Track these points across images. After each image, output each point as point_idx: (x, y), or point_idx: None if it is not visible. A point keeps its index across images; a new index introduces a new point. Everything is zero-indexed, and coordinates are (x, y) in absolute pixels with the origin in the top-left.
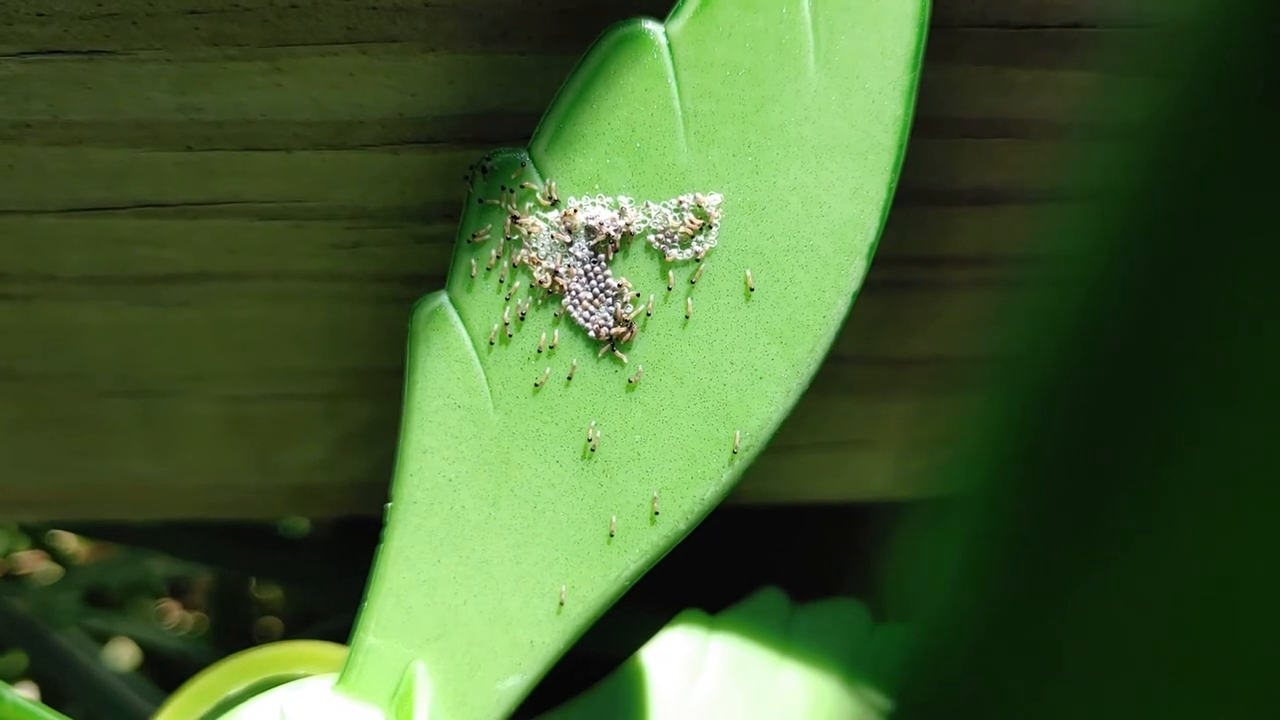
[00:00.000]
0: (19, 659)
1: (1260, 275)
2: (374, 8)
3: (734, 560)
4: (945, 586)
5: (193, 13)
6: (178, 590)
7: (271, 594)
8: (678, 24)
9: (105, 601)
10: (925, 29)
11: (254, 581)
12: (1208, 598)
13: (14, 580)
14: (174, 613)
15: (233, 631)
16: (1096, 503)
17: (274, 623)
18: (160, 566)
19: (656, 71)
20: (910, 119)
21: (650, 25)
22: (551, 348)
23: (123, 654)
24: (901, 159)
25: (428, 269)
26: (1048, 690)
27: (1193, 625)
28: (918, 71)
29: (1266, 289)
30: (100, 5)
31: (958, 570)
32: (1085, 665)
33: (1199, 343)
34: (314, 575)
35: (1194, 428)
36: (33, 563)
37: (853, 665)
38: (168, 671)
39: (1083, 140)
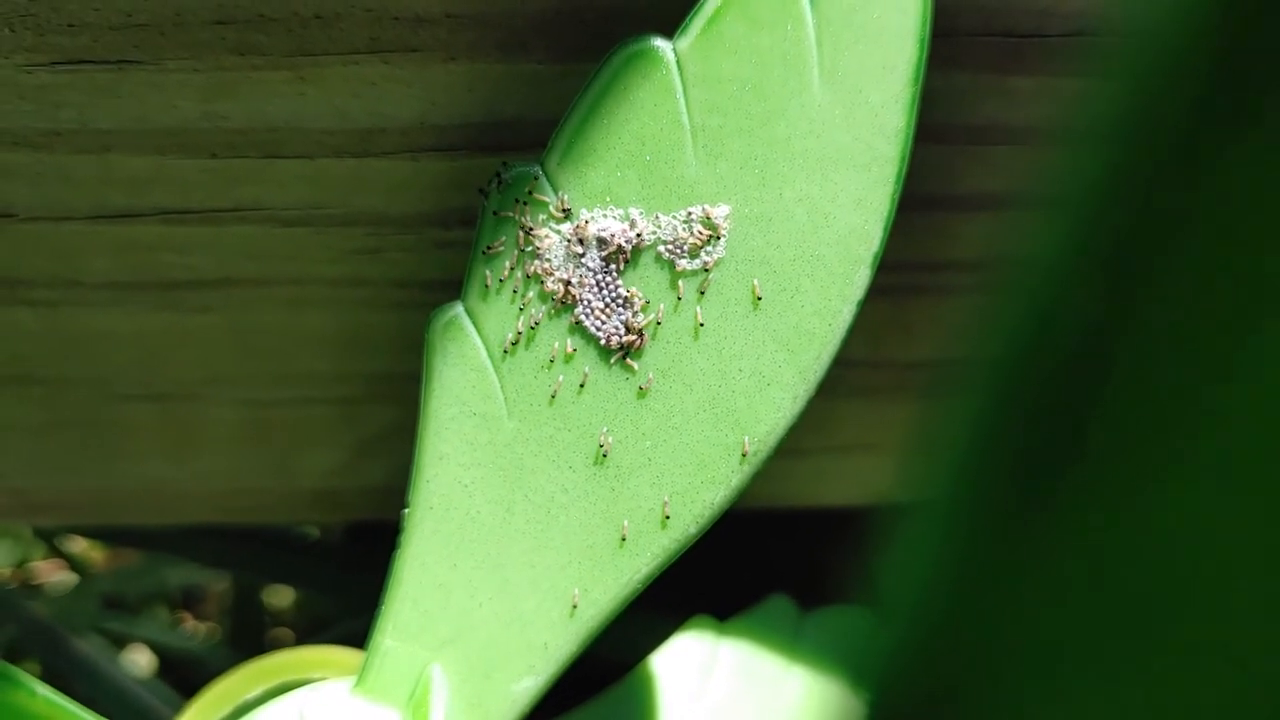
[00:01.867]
0: (32, 668)
1: (1206, 277)
2: (396, 18)
3: (743, 565)
4: (917, 583)
5: (219, 23)
6: (191, 599)
7: (284, 603)
8: (686, 41)
9: (121, 608)
10: (926, 44)
11: (267, 590)
12: (1160, 590)
13: (31, 588)
14: (188, 622)
15: (246, 639)
16: (1051, 499)
17: (285, 632)
18: (175, 575)
19: (665, 87)
20: (913, 131)
21: (659, 42)
22: (565, 356)
23: (140, 660)
24: (904, 170)
25: (447, 275)
26: (1015, 677)
27: (1146, 614)
28: (919, 85)
29: (1212, 292)
30: (129, 16)
31: (929, 568)
32: (1049, 654)
33: (1150, 344)
34: (328, 580)
35: (1143, 429)
36: (49, 571)
37: (860, 671)
38: (185, 677)
39: (1046, 146)
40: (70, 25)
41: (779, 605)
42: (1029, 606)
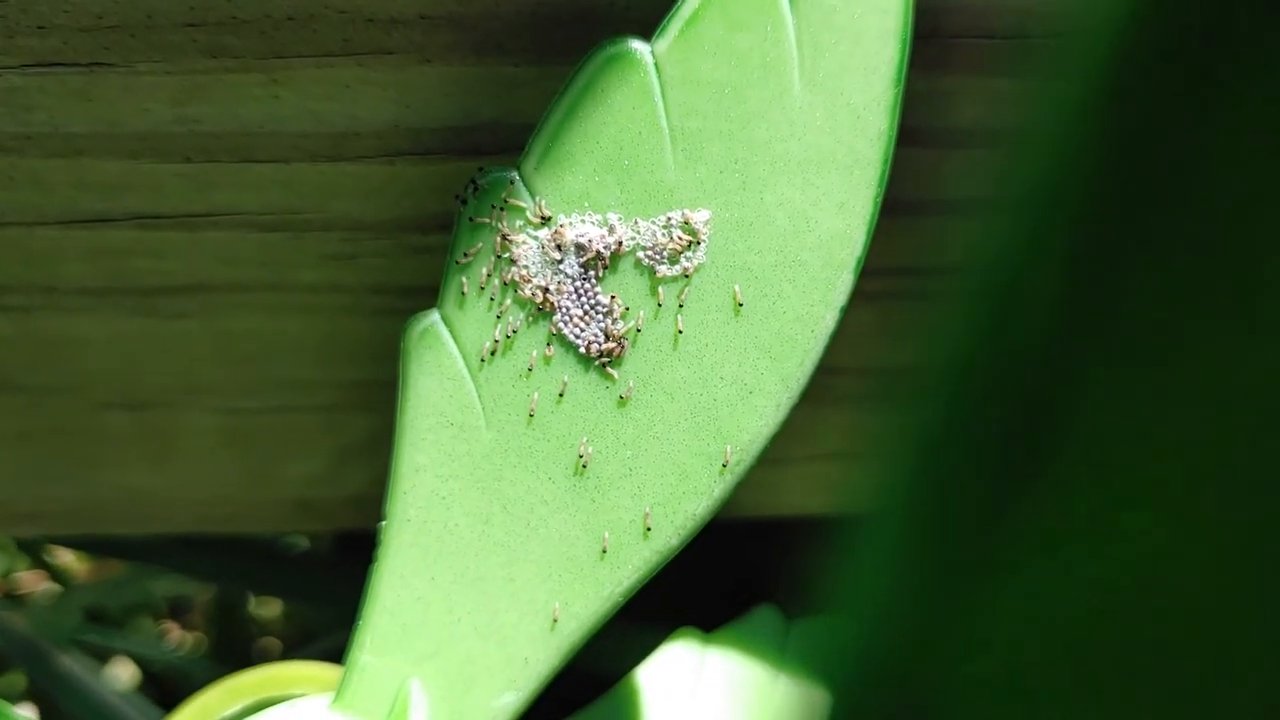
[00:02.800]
0: (18, 679)
1: (1164, 283)
2: (370, 20)
3: (729, 576)
4: (874, 591)
5: (191, 25)
6: (177, 610)
7: (270, 614)
8: (664, 43)
9: (105, 621)
10: (908, 45)
11: (252, 601)
12: (1116, 596)
13: (14, 600)
14: (173, 633)
15: (232, 651)
16: (1008, 507)
17: (273, 643)
18: (160, 586)
19: (643, 90)
20: (895, 134)
21: (637, 44)
22: (544, 364)
23: (122, 673)
24: (887, 173)
25: (424, 281)
26: (976, 685)
27: (1101, 620)
28: (901, 87)
29: (1171, 301)
30: (100, 18)
31: (886, 576)
32: (1008, 661)
33: (1107, 350)
34: (314, 590)
35: (1099, 436)
36: (32, 583)
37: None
38: (167, 690)
39: (990, 149)
40: (40, 27)
41: (766, 616)
42: (987, 613)
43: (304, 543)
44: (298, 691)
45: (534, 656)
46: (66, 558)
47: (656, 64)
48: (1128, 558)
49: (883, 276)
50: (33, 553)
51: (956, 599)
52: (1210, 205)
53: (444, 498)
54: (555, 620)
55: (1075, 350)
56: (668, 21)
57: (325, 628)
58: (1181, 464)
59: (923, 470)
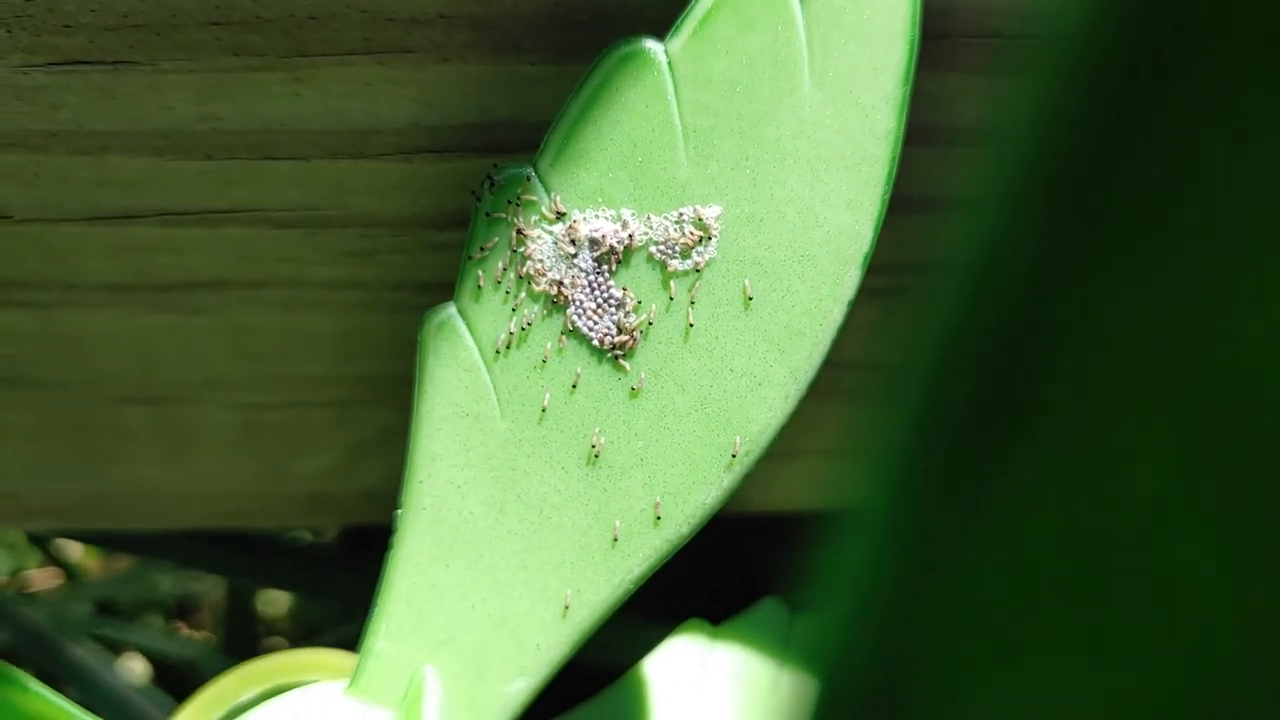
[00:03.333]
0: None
1: (1118, 281)
2: (390, 19)
3: (736, 569)
4: (856, 582)
5: (214, 24)
6: (186, 608)
7: (277, 611)
8: (677, 42)
9: (116, 617)
10: (916, 45)
11: (261, 597)
12: (1089, 584)
13: (26, 595)
14: (182, 630)
15: (241, 646)
16: (984, 496)
17: (280, 642)
18: (169, 582)
19: (657, 88)
20: (903, 132)
21: (650, 44)
22: (558, 355)
23: (134, 667)
24: (894, 170)
25: (441, 277)
26: (956, 674)
27: (1075, 607)
28: (909, 86)
29: (1121, 295)
30: (125, 17)
31: (867, 567)
32: (989, 650)
33: (1077, 341)
34: (322, 584)
35: (1072, 425)
36: (44, 579)
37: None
38: (179, 683)
39: (972, 146)
40: (66, 26)
41: (771, 609)
42: (964, 602)
43: (307, 536)
44: (311, 678)
45: (546, 643)
46: (76, 553)
47: (670, 63)
48: (1113, 523)
49: (890, 273)
50: (43, 548)
51: (939, 575)
52: (1181, 178)
53: (459, 486)
54: (567, 607)
55: (1051, 319)
56: (681, 21)
57: (331, 624)
58: (1162, 421)
59: (902, 452)
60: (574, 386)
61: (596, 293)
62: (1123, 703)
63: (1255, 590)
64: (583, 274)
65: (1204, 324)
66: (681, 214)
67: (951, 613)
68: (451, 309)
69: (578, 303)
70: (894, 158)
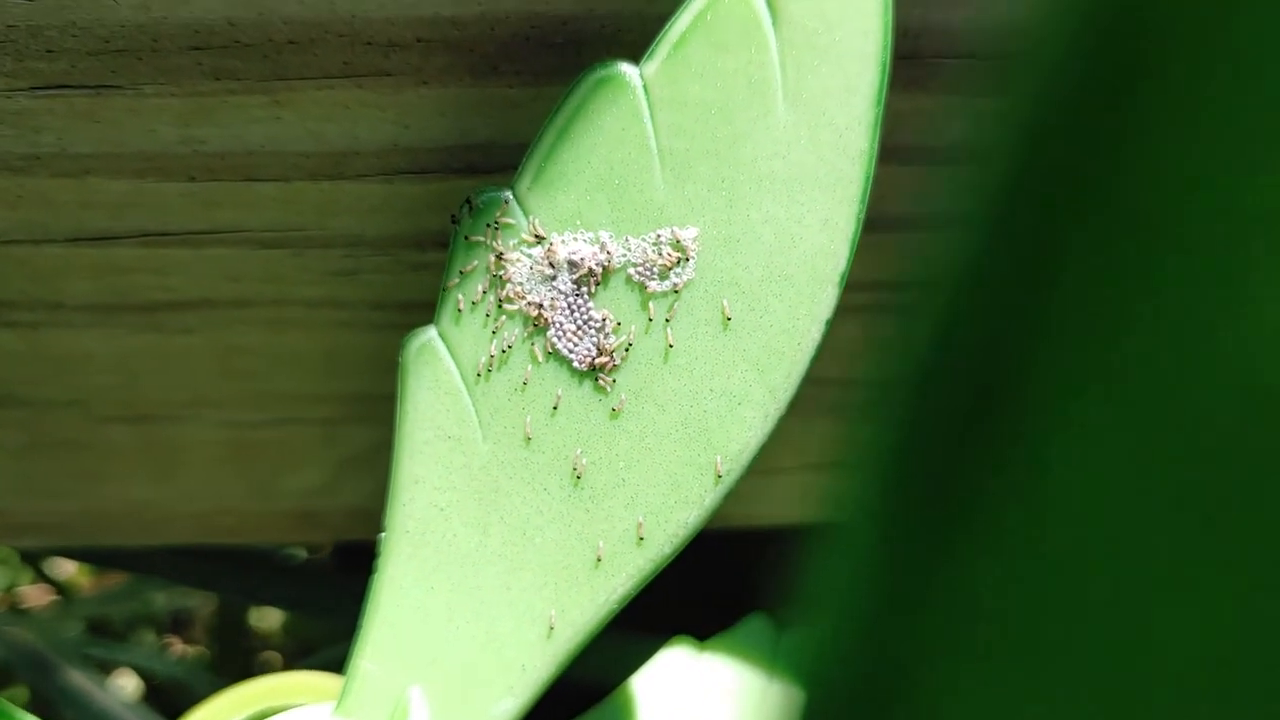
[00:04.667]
0: (20, 693)
1: (1089, 294)
2: (369, 43)
3: (722, 584)
4: (840, 596)
5: (195, 49)
6: (178, 624)
7: (270, 627)
8: (652, 65)
9: (108, 633)
10: (887, 67)
11: (253, 614)
12: (1071, 594)
13: (18, 613)
14: (175, 646)
15: (233, 664)
16: (943, 511)
17: (273, 656)
18: (161, 599)
19: (633, 111)
20: (876, 152)
21: (626, 67)
22: (538, 378)
23: (126, 685)
24: (868, 190)
25: (422, 296)
26: (930, 678)
27: (1037, 615)
28: (881, 107)
29: (1096, 310)
30: (107, 42)
31: (851, 580)
32: (970, 664)
33: (1054, 353)
34: (314, 600)
35: (1032, 445)
36: (36, 596)
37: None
38: (171, 702)
39: (945, 164)
40: (49, 51)
41: (757, 624)
42: (950, 613)
43: (302, 554)
44: (300, 701)
45: (531, 664)
46: (69, 570)
47: (645, 86)
48: (1099, 531)
49: (868, 290)
50: (35, 566)
51: (924, 586)
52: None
53: (442, 509)
54: (552, 628)
55: (1032, 328)
56: (656, 44)
57: (324, 640)
58: (1146, 425)
59: (887, 465)
60: (555, 408)
61: (576, 315)
62: (1113, 714)
63: (1247, 590)
64: (562, 296)
65: (1184, 332)
66: (659, 236)
67: (937, 623)
68: (432, 331)
69: (557, 325)
70: (868, 177)
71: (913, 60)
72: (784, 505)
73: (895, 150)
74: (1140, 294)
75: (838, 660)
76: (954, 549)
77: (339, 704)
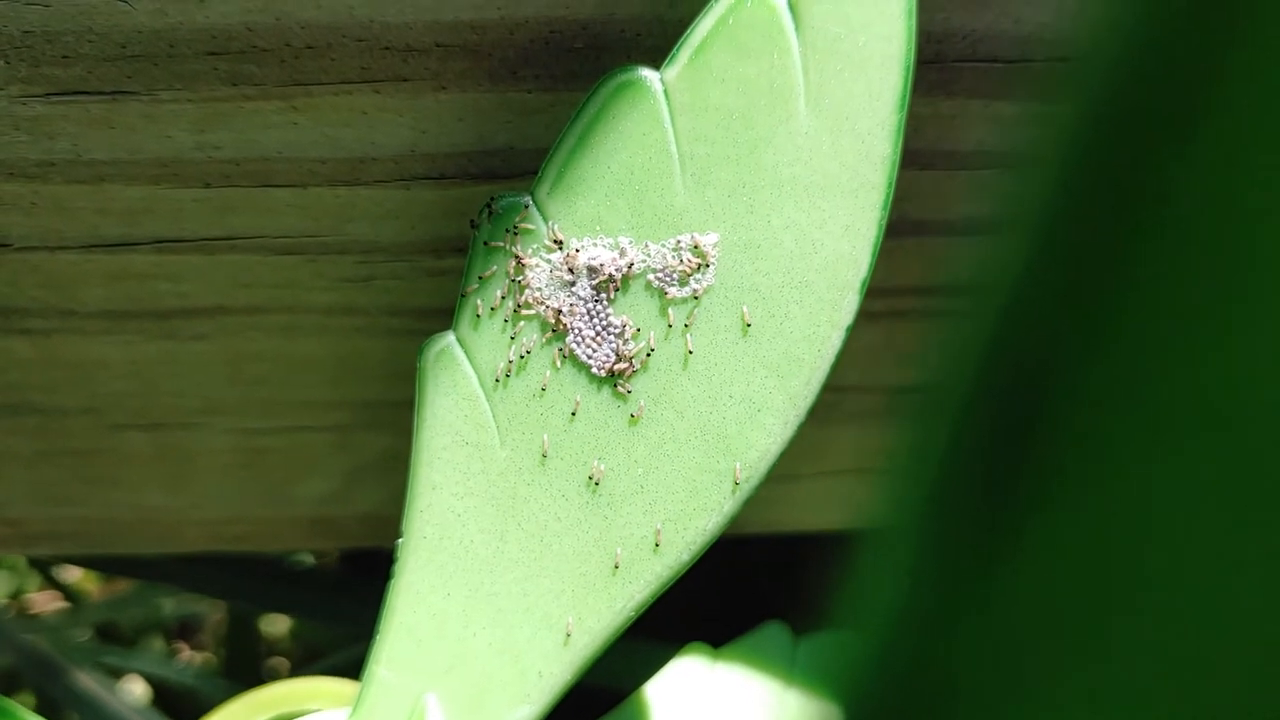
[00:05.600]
0: (27, 699)
1: (1148, 297)
2: (387, 48)
3: (739, 591)
4: (886, 604)
5: (212, 54)
6: (186, 630)
7: (278, 632)
8: (673, 71)
9: (116, 639)
10: (911, 72)
11: (262, 620)
12: (1118, 596)
13: (27, 619)
14: (184, 652)
15: (241, 670)
16: (1010, 515)
17: (281, 663)
18: (170, 605)
19: (653, 117)
20: (899, 157)
21: (646, 72)
22: (557, 383)
23: (135, 691)
24: (890, 196)
25: (438, 303)
26: (989, 693)
27: (1105, 623)
28: (904, 112)
29: (1153, 312)
30: (123, 47)
31: (897, 589)
32: (1017, 668)
33: (1089, 367)
34: (323, 608)
35: (1095, 444)
36: (45, 602)
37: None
38: (180, 708)
39: (1000, 170)
40: (65, 57)
41: (774, 631)
42: (997, 620)
43: (310, 560)
44: (315, 706)
45: (548, 670)
46: (77, 576)
47: (666, 91)
48: (1142, 539)
49: (888, 296)
50: (44, 572)
51: (966, 603)
52: (1197, 220)
53: (460, 515)
54: (569, 635)
55: (1073, 355)
56: (677, 49)
57: (332, 646)
58: (1190, 437)
59: (928, 481)
60: (573, 414)
61: (595, 320)
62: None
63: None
64: (581, 302)
65: (1228, 341)
66: (679, 241)
67: (985, 631)
68: (450, 337)
69: (576, 331)
70: (890, 183)
71: (936, 64)
72: (801, 513)
73: (917, 155)
74: (1198, 304)
75: (883, 670)
76: (1003, 557)
77: (354, 710)
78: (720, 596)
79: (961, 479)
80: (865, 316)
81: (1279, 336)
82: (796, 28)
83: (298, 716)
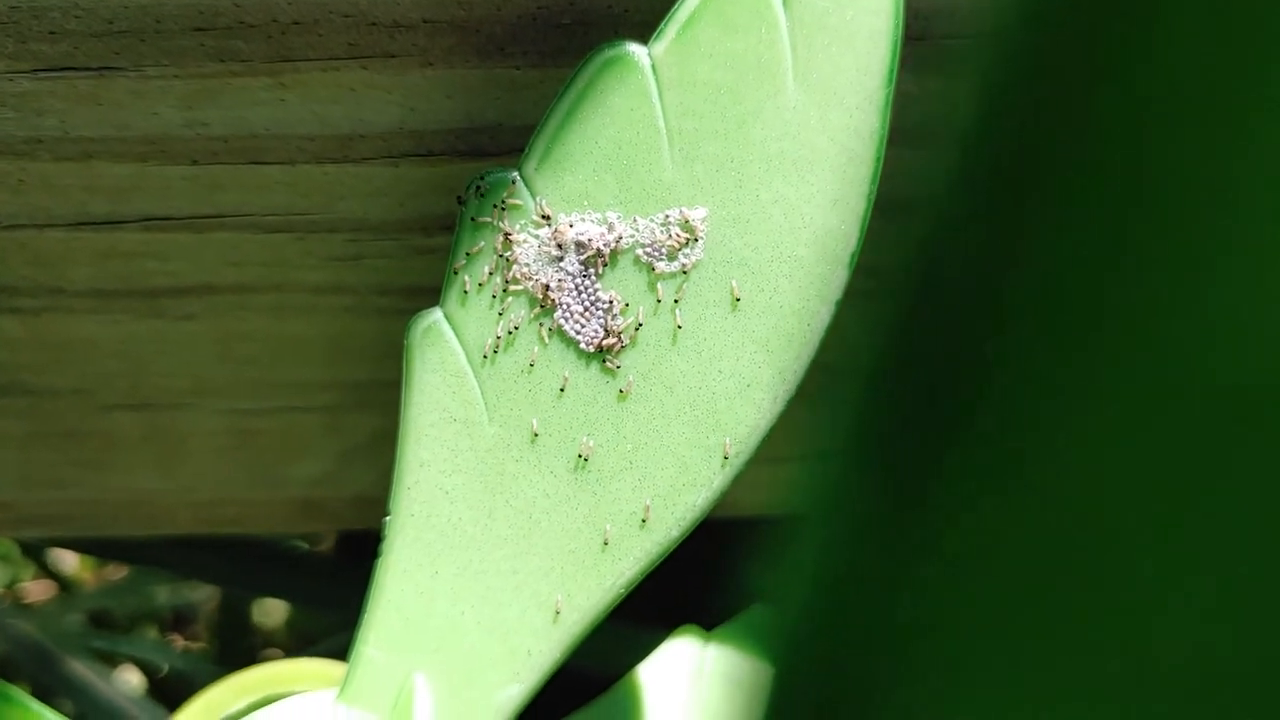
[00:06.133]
0: (21, 687)
1: (1050, 278)
2: (374, 24)
3: (730, 574)
4: (805, 584)
5: (199, 30)
6: (180, 620)
7: (273, 622)
8: (661, 46)
9: (110, 627)
10: (899, 46)
11: (256, 608)
12: (1029, 579)
13: (21, 607)
14: (178, 642)
15: (236, 658)
16: (926, 495)
17: (275, 653)
18: (164, 593)
19: (641, 91)
20: (886, 132)
21: (634, 47)
22: (545, 359)
23: (129, 679)
24: (879, 170)
25: (428, 281)
26: (898, 674)
27: (1013, 605)
28: (892, 86)
29: (1056, 291)
30: (110, 23)
31: (816, 569)
32: (930, 651)
33: (1019, 332)
34: (317, 592)
35: (1009, 423)
36: (38, 591)
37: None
38: (174, 695)
39: (919, 148)
40: (52, 33)
41: (763, 613)
42: (909, 603)
43: (303, 545)
44: (302, 688)
45: (537, 648)
46: (71, 565)
47: (654, 66)
48: (1062, 513)
49: (878, 275)
50: (37, 560)
51: (890, 568)
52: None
53: (447, 492)
54: (558, 613)
55: (997, 312)
56: (665, 24)
57: (326, 632)
58: (1113, 410)
59: (852, 450)
60: (562, 390)
61: (583, 296)
62: (1082, 692)
63: (1202, 585)
64: (569, 277)
65: (1149, 316)
66: (668, 216)
67: (903, 604)
68: (437, 314)
69: (565, 306)
70: (879, 157)
71: (923, 41)
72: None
73: (903, 133)
74: (1110, 281)
75: (801, 643)
76: (917, 539)
77: (342, 690)
78: (711, 578)
79: (879, 454)
80: (855, 293)
81: (1199, 322)
82: (784, 2)
83: (285, 697)
